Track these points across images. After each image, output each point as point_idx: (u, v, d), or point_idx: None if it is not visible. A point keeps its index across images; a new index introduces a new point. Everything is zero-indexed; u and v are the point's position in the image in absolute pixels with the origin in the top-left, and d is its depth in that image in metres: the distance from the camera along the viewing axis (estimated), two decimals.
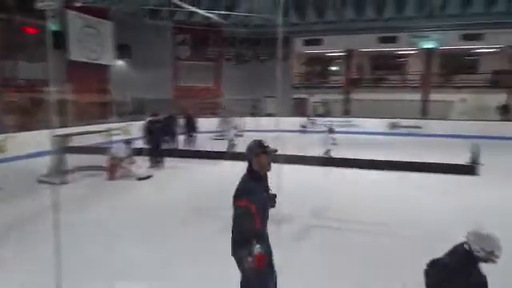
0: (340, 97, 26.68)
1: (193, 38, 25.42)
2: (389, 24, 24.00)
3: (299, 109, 26.77)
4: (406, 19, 22.81)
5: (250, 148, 3.43)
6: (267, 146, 3.40)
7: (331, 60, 29.12)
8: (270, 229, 3.57)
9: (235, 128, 15.02)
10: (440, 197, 9.08)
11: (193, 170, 12.36)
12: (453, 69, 25.74)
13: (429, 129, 21.65)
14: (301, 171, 11.52)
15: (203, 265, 5.39)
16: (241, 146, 13.72)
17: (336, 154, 12.85)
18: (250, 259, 3.11)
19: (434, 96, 24.76)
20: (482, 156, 12.87)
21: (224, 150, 14.33)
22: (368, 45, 25.70)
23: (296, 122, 23.09)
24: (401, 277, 4.89)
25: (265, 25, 22.33)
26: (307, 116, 24.45)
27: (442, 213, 7.84)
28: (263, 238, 3.37)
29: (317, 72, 29.51)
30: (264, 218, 3.38)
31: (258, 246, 3.12)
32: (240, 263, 3.29)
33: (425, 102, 25.02)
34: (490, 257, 2.86)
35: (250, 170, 3.40)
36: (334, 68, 29.35)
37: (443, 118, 23.19)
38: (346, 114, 25.62)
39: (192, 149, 15.81)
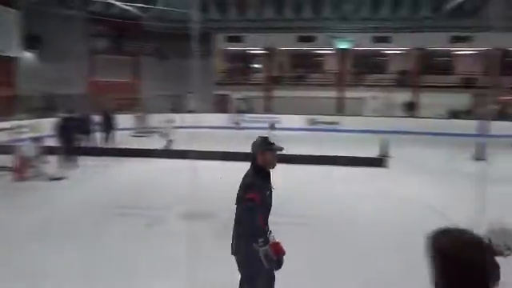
0: (262, 94, 27.21)
1: (110, 31, 24.32)
2: (307, 24, 24.96)
3: (221, 105, 26.85)
4: (323, 20, 23.88)
5: (255, 144, 3.43)
6: (273, 144, 3.42)
7: (253, 57, 29.55)
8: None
9: (170, 123, 14.49)
10: (351, 187, 9.66)
11: (111, 168, 11.87)
12: (365, 68, 27.41)
13: (345, 124, 22.87)
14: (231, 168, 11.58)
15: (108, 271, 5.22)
16: (177, 143, 13.50)
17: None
18: (267, 248, 3.05)
19: (349, 93, 26.21)
20: (390, 149, 13.96)
21: (147, 147, 13.95)
22: (287, 43, 26.49)
23: (219, 118, 23.14)
24: (316, 267, 5.15)
25: (184, 20, 22.04)
26: (237, 113, 24.59)
27: (349, 201, 8.34)
28: (265, 236, 3.31)
29: (239, 69, 29.78)
30: (265, 215, 3.37)
31: (272, 235, 3.19)
32: (242, 262, 3.27)
33: (340, 99, 26.42)
34: (505, 251, 3.02)
35: (255, 165, 3.38)
36: (256, 65, 29.83)
37: (357, 114, 24.65)
38: (268, 110, 26.18)
39: (112, 147, 15.17)
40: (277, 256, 3.07)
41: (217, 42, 26.59)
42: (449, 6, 23.10)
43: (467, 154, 14.57)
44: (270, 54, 27.48)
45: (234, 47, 27.63)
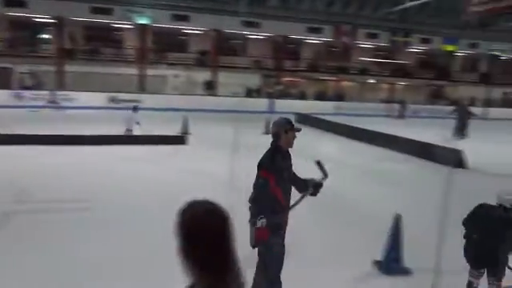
0: (52, 68, 24.45)
1: None
2: None
3: (1, 80, 23.12)
4: None
5: (279, 124, 3.55)
6: (293, 124, 3.58)
7: (41, 26, 26.06)
8: None
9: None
10: (149, 166, 9.62)
11: None
12: (167, 46, 27.36)
13: (146, 103, 22.55)
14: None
15: None
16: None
17: (43, 129, 11.84)
18: (254, 229, 3.34)
19: (150, 71, 25.88)
20: (191, 127, 14.48)
21: None
22: (79, 14, 24.23)
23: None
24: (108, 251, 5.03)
25: None
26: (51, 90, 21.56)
27: (142, 180, 8.38)
28: (282, 210, 3.46)
29: (24, 39, 25.87)
30: (285, 191, 3.48)
31: (263, 220, 3.28)
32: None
33: (142, 76, 25.88)
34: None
35: (275, 145, 3.53)
36: (44, 36, 26.46)
37: (159, 92, 24.62)
38: (61, 87, 23.77)
39: None
40: (255, 241, 3.35)
41: None
42: None
43: (259, 129, 16.19)
44: (60, 24, 24.76)
45: (15, 13, 23.83)
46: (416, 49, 32.07)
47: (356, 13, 28.45)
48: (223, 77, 26.89)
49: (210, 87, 27.00)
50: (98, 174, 8.71)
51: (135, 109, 12.91)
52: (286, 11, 27.11)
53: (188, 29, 27.08)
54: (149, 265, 4.52)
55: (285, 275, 3.60)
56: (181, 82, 26.52)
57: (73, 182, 7.95)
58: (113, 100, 22.66)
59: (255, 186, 3.43)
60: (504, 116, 28.32)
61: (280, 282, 3.59)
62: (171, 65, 26.53)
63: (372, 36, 29.84)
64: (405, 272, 4.81)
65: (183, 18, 25.83)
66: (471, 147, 12.47)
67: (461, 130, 17.04)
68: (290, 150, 3.65)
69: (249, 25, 26.98)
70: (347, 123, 17.06)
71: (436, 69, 33.13)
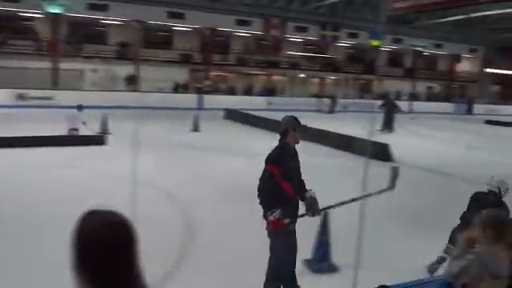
0: None
1: None
2: None
3: None
4: None
5: (288, 121, 3.92)
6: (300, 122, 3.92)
7: None
8: None
9: None
10: (61, 171, 8.94)
11: None
12: (82, 38, 25.92)
13: (60, 100, 21.16)
14: None
15: None
16: None
17: None
18: (268, 220, 3.73)
19: (65, 65, 24.36)
20: (110, 125, 13.77)
21: None
22: None
23: None
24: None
25: None
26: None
27: (53, 186, 7.75)
28: (289, 201, 3.79)
29: None
30: (293, 183, 3.83)
31: (275, 213, 3.66)
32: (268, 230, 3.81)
33: (55, 70, 24.28)
34: (507, 193, 4.68)
35: (283, 142, 3.88)
36: None
37: (75, 88, 23.24)
38: None
39: None
40: (273, 228, 3.74)
41: None
42: None
43: (187, 127, 15.80)
44: None
45: None
46: (344, 43, 33.27)
47: (285, 6, 28.88)
48: (147, 71, 26.00)
49: (132, 82, 25.98)
50: (3, 181, 7.90)
51: (80, 107, 12.47)
52: (214, 3, 26.84)
53: (107, 19, 25.80)
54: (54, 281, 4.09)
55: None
56: (99, 77, 25.25)
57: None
58: (21, 97, 21.01)
59: (261, 179, 3.79)
60: (428, 110, 30.25)
61: (296, 281, 4.02)
62: (88, 58, 25.18)
63: (301, 30, 30.46)
64: (333, 269, 4.87)
65: (101, 8, 24.56)
66: (397, 141, 13.07)
67: (388, 124, 17.88)
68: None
69: (174, 16, 26.34)
70: (277, 118, 17.22)
71: (363, 63, 34.62)
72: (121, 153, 11.19)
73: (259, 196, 3.77)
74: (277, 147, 3.91)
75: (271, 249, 3.87)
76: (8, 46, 23.83)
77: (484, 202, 4.53)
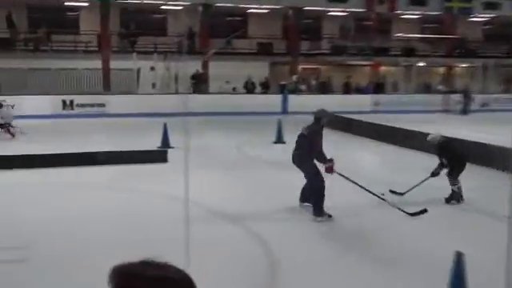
0: None
1: None
2: None
3: None
4: None
5: (324, 112, 8.61)
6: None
7: None
8: None
9: None
10: (111, 194, 9.46)
11: None
12: (138, 29, 27.14)
13: (112, 106, 22.41)
14: None
15: None
16: None
17: None
18: (327, 166, 8.14)
19: (116, 63, 25.52)
20: (172, 137, 14.20)
21: None
22: None
23: None
24: None
25: None
26: None
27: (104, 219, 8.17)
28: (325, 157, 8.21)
29: None
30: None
31: (330, 163, 8.09)
32: (305, 168, 8.15)
33: (106, 71, 25.62)
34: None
35: (320, 125, 8.42)
36: None
37: (128, 92, 24.31)
38: None
39: None
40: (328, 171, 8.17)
41: None
42: None
43: (268, 137, 15.93)
44: None
45: None
46: (480, 18, 31.92)
47: None
48: (216, 67, 26.57)
49: (199, 81, 26.71)
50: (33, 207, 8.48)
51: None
52: None
53: (167, 3, 26.96)
54: None
55: None
56: (159, 77, 26.14)
57: None
58: (68, 105, 22.52)
59: (310, 140, 8.22)
60: None
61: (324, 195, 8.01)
62: (145, 53, 26.23)
63: (418, 2, 29.65)
64: None
65: None
66: None
67: None
68: None
69: None
70: (383, 122, 17.16)
71: (509, 44, 32.96)
72: (181, 172, 11.51)
73: (310, 151, 8.26)
74: (314, 124, 8.60)
75: (310, 179, 8.19)
76: (51, 43, 25.61)
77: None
